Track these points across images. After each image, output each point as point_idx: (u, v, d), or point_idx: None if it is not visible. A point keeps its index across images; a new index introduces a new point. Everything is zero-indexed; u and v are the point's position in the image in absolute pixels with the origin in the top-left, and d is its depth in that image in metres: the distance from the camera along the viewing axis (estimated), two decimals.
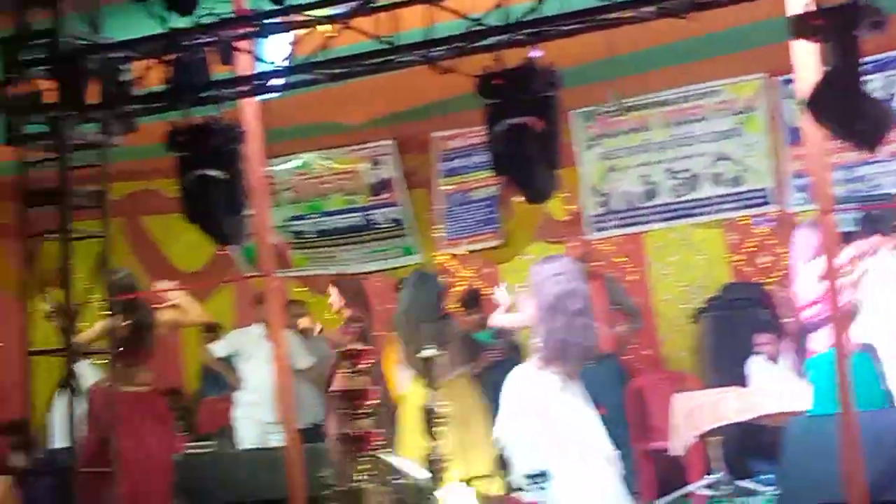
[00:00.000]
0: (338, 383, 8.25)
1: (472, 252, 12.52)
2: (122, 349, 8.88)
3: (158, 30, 7.60)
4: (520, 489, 7.57)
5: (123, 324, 9.03)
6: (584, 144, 11.76)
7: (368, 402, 8.06)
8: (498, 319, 9.73)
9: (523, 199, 7.42)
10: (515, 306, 9.42)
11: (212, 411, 12.51)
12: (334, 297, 10.16)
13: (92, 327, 9.00)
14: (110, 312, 8.73)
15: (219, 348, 11.88)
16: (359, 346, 8.23)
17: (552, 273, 9.05)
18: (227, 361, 11.88)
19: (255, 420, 11.36)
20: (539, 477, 7.52)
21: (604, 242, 11.80)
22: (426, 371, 8.29)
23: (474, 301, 11.47)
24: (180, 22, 7.53)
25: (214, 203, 7.73)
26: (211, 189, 7.66)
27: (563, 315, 8.94)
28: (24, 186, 7.66)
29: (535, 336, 9.08)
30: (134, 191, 13.77)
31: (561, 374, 8.99)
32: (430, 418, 8.10)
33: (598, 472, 8.81)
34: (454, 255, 12.55)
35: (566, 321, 8.93)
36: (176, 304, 9.55)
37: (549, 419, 8.83)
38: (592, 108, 11.55)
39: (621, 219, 11.74)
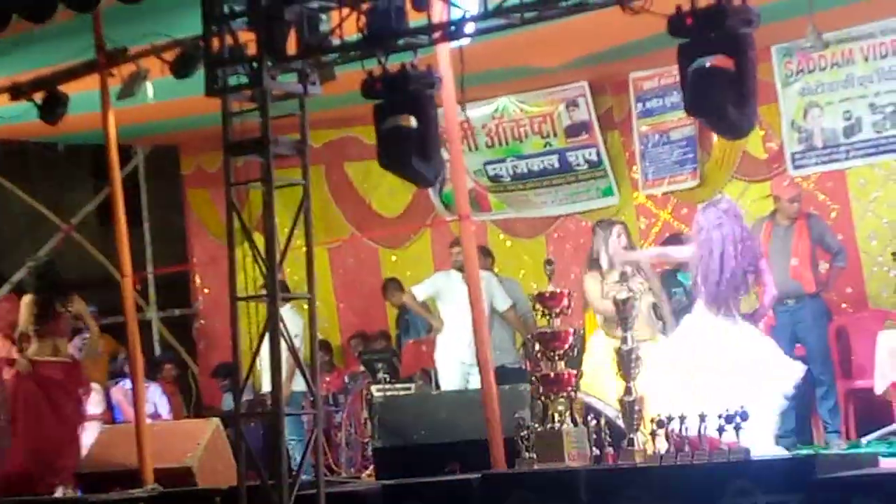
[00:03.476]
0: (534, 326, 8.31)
1: (669, 193, 12.42)
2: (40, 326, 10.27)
3: None
4: (718, 430, 7.52)
5: (40, 302, 10.29)
6: (783, 80, 11.54)
7: (564, 344, 8.11)
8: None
9: (720, 137, 7.29)
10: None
11: (413, 354, 12.69)
12: None
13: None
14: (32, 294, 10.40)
15: (420, 291, 12.05)
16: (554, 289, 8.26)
17: (714, 218, 8.84)
18: (428, 304, 12.05)
19: (454, 362, 11.53)
20: (736, 417, 7.46)
21: (805, 180, 11.58)
22: (621, 312, 8.28)
23: (674, 243, 11.31)
24: None
25: (410, 149, 7.82)
26: (407, 135, 7.76)
27: (719, 260, 8.69)
28: (227, 137, 7.86)
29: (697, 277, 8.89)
30: (333, 139, 14.03)
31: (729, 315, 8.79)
32: (625, 360, 8.10)
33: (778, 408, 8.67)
34: (651, 196, 12.45)
35: (721, 266, 8.71)
36: None
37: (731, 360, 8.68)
38: (792, 44, 11.31)
39: (822, 155, 11.50)
